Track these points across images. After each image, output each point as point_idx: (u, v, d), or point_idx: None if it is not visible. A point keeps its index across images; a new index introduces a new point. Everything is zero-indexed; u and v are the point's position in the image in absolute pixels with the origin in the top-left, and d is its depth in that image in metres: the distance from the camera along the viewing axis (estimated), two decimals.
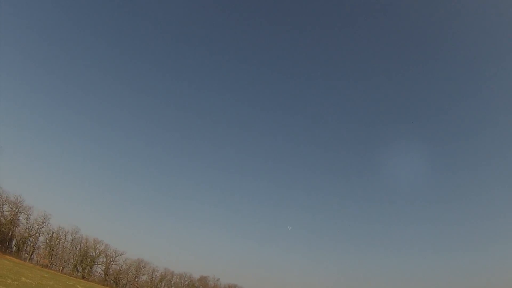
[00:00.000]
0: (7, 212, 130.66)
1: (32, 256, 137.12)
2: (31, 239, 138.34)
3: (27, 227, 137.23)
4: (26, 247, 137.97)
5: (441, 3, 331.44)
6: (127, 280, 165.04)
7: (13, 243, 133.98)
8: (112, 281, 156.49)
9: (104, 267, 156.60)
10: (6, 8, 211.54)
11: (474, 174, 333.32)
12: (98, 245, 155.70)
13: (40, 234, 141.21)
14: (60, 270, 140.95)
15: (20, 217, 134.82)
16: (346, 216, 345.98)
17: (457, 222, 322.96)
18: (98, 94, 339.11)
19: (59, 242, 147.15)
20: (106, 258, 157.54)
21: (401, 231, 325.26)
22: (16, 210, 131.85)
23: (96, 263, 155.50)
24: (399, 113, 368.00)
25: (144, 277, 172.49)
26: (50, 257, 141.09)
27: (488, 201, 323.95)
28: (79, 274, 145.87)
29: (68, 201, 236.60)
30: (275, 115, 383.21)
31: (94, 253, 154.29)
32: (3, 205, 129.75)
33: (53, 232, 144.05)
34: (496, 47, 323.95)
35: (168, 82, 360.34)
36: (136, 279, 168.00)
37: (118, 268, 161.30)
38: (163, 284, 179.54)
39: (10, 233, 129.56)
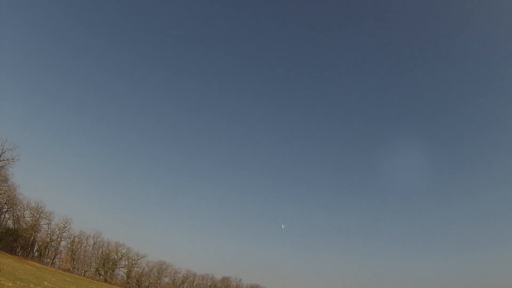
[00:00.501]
0: (28, 218, 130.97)
1: (54, 261, 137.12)
2: (52, 244, 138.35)
3: (49, 232, 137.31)
4: (48, 252, 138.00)
5: (444, 3, 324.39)
6: (150, 283, 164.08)
7: (35, 248, 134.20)
8: (134, 284, 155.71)
9: (126, 270, 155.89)
10: (6, 8, 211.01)
11: (476, 174, 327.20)
12: (120, 249, 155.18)
13: (62, 239, 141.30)
14: (82, 274, 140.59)
15: (42, 223, 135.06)
16: (350, 215, 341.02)
17: (458, 221, 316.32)
18: (107, 97, 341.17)
19: (81, 246, 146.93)
20: (128, 261, 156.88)
21: (401, 229, 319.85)
22: (37, 216, 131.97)
23: (118, 266, 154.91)
24: (400, 112, 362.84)
25: (166, 279, 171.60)
26: (72, 261, 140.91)
27: (491, 200, 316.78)
28: (101, 277, 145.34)
29: (88, 206, 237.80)
30: (276, 114, 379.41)
31: (116, 257, 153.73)
32: (24, 211, 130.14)
33: (74, 237, 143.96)
34: (500, 48, 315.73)
35: (176, 81, 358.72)
36: (158, 281, 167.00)
37: (140, 271, 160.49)
38: (185, 285, 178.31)
39: (32, 238, 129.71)
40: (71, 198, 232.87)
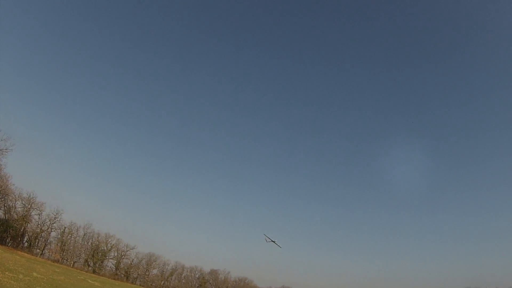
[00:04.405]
0: (19, 209, 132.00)
1: (43, 251, 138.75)
2: (43, 234, 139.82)
3: (39, 223, 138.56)
4: (38, 243, 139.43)
5: (446, 2, 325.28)
6: (138, 274, 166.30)
7: (25, 239, 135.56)
8: (123, 275, 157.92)
9: (115, 261, 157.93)
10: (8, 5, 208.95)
11: (479, 174, 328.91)
12: (109, 240, 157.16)
13: (52, 230, 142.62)
14: (72, 265, 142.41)
15: (33, 213, 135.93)
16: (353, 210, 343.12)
17: (460, 223, 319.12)
18: (105, 87, 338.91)
19: (71, 237, 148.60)
20: (117, 252, 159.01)
21: (402, 230, 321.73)
22: (29, 206, 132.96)
23: (108, 258, 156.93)
24: (401, 112, 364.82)
25: (155, 271, 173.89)
26: (62, 252, 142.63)
27: (493, 197, 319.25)
28: (90, 268, 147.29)
29: (80, 197, 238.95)
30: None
31: (105, 248, 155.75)
32: (15, 201, 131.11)
33: (65, 227, 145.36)
34: (501, 46, 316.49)
35: (184, 77, 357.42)
36: (147, 273, 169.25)
37: (129, 262, 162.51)
38: (173, 277, 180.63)
39: (22, 229, 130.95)
40: (64, 189, 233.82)
